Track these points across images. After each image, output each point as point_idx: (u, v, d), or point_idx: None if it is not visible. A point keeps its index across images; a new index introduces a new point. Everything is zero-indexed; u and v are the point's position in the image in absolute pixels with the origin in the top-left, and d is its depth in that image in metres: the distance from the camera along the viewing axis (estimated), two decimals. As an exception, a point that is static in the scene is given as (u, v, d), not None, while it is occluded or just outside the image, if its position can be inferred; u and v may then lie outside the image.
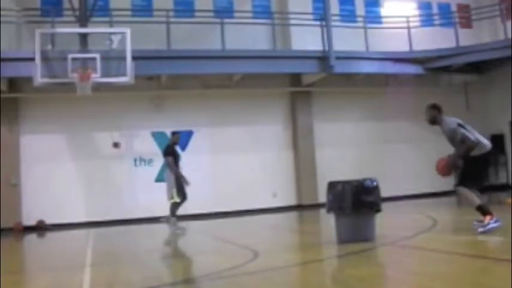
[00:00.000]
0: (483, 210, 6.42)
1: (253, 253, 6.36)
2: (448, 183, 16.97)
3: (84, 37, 12.52)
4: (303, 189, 15.41)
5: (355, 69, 15.08)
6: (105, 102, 14.04)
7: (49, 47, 12.07)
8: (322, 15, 14.76)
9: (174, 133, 11.75)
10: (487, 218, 6.32)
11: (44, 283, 5.41)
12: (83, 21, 12.73)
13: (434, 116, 7.19)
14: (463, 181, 6.62)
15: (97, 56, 11.90)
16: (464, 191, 6.56)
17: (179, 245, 9.22)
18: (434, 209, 11.49)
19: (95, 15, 13.07)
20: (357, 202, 6.30)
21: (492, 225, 6.27)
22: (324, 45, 14.37)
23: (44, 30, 12.23)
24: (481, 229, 6.30)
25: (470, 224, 6.71)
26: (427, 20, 16.95)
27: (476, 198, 6.47)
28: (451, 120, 6.92)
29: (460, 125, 6.77)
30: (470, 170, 6.56)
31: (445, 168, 6.88)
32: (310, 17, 15.19)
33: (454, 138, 6.73)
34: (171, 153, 11.24)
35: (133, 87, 12.71)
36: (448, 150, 7.11)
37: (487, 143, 6.71)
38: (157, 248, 8.46)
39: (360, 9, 16.52)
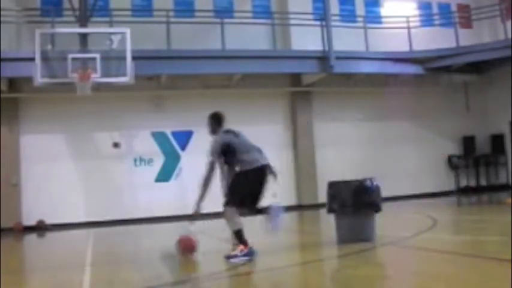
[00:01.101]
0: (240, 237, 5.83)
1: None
2: (448, 183, 17.06)
3: (84, 37, 12.51)
4: (303, 189, 15.41)
5: (355, 69, 15.08)
6: (105, 102, 14.05)
7: (49, 47, 12.07)
8: (322, 15, 14.76)
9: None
10: (240, 247, 5.74)
11: (44, 283, 5.41)
12: (83, 21, 12.72)
13: (213, 127, 6.41)
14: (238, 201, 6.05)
15: (97, 56, 11.89)
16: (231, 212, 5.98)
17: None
18: (434, 209, 11.48)
19: (95, 15, 13.07)
20: (357, 202, 6.30)
21: (241, 258, 5.66)
22: (324, 45, 14.36)
23: (44, 30, 12.23)
24: (232, 259, 5.68)
25: (470, 224, 6.71)
26: (427, 20, 16.95)
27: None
28: (221, 137, 6.24)
29: (227, 143, 6.12)
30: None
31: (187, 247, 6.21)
32: (310, 17, 15.19)
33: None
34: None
35: (133, 87, 12.71)
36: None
37: (257, 160, 6.11)
38: (157, 248, 8.46)
39: (360, 9, 16.52)
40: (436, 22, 17.08)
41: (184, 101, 14.88)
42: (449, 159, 16.68)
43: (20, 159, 13.70)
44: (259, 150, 6.28)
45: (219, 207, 6.42)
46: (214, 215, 14.51)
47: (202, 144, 15.22)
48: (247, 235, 5.85)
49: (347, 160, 15.40)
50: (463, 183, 16.74)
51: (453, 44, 15.41)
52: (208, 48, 13.93)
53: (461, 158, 16.70)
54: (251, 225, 6.21)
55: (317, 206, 14.06)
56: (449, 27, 16.26)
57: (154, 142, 14.75)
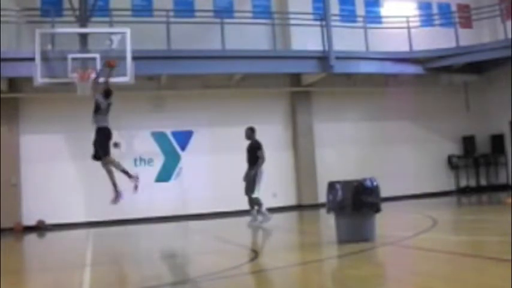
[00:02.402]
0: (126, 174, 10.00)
1: (253, 253, 6.36)
2: (448, 183, 17.06)
3: (84, 37, 12.52)
4: (303, 189, 15.41)
5: (355, 69, 15.08)
6: (105, 102, 14.02)
7: (49, 47, 12.07)
8: (322, 15, 14.77)
9: (251, 128, 11.04)
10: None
11: (44, 283, 5.41)
12: (83, 21, 12.73)
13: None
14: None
15: (97, 56, 11.90)
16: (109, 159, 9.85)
17: (179, 245, 9.21)
18: (434, 209, 11.48)
19: (95, 15, 13.07)
20: (357, 202, 6.29)
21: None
22: (324, 45, 14.37)
23: (44, 30, 12.24)
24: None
25: (470, 224, 6.71)
26: (427, 20, 16.96)
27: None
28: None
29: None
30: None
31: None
32: (310, 17, 15.20)
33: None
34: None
35: (133, 87, 12.70)
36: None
37: None
38: (157, 248, 8.46)
39: (360, 9, 16.53)
40: (436, 22, 17.09)
41: (184, 101, 14.88)
42: (449, 159, 16.69)
43: (20, 159, 13.69)
44: None
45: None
46: (213, 215, 14.50)
47: (202, 144, 15.35)
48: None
49: (347, 160, 15.40)
50: (463, 183, 16.75)
51: (453, 44, 15.42)
52: (208, 48, 13.94)
53: (461, 158, 16.70)
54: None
55: (317, 206, 14.06)
56: (449, 27, 16.27)
57: (154, 142, 14.74)
